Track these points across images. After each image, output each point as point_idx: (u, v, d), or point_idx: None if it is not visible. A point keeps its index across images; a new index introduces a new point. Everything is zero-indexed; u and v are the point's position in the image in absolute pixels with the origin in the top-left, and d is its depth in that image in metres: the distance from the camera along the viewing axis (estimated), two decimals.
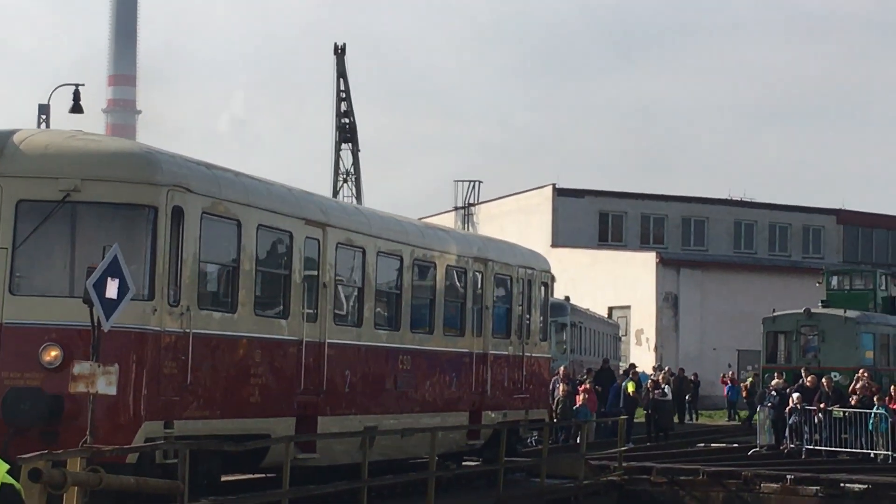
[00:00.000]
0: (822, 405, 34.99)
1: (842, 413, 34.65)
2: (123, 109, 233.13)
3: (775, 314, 45.88)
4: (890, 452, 33.45)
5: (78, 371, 14.93)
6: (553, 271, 30.09)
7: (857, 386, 36.06)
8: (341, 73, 73.49)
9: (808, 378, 37.01)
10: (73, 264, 16.73)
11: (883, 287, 48.97)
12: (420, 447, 23.09)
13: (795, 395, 35.70)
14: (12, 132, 17.05)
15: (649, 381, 42.60)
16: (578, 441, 31.73)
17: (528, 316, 27.52)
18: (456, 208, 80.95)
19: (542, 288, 28.42)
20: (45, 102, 46.64)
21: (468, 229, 74.52)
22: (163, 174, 16.96)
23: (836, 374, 40.48)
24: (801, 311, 45.16)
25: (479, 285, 25.68)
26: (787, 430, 35.59)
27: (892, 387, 35.57)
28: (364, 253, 21.72)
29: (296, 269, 19.69)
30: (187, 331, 17.10)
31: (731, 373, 58.03)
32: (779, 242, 76.19)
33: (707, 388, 59.26)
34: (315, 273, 20.24)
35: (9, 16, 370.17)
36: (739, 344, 62.08)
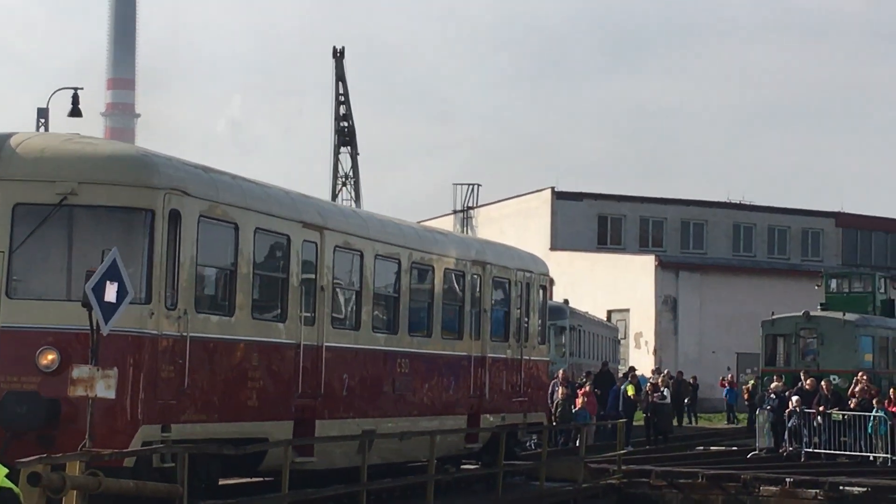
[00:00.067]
0: (821, 408, 34.98)
1: (841, 416, 34.64)
2: (122, 113, 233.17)
3: (774, 317, 45.82)
4: (889, 455, 33.43)
5: (77, 375, 14.92)
6: (552, 274, 30.09)
7: (856, 389, 36.04)
8: (340, 76, 73.46)
9: (808, 381, 36.98)
10: (70, 268, 16.71)
11: (882, 290, 48.92)
12: (419, 450, 23.07)
13: (794, 398, 35.69)
14: (9, 135, 17.03)
15: (648, 384, 42.56)
16: (578, 444, 31.69)
17: (526, 319, 27.49)
18: (455, 212, 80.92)
19: (541, 291, 28.40)
20: (44, 106, 46.63)
21: (467, 233, 74.50)
22: (160, 177, 16.94)
23: (835, 377, 40.43)
24: (800, 313, 45.11)
25: (478, 288, 25.65)
26: (786, 433, 35.58)
27: (892, 389, 35.55)
28: (362, 256, 21.69)
29: (293, 272, 19.66)
30: (184, 334, 17.07)
31: (730, 376, 58.01)
32: (778, 245, 76.16)
33: (706, 391, 59.23)
34: (313, 276, 20.21)
35: (8, 19, 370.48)
36: (738, 347, 62.02)
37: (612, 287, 66.77)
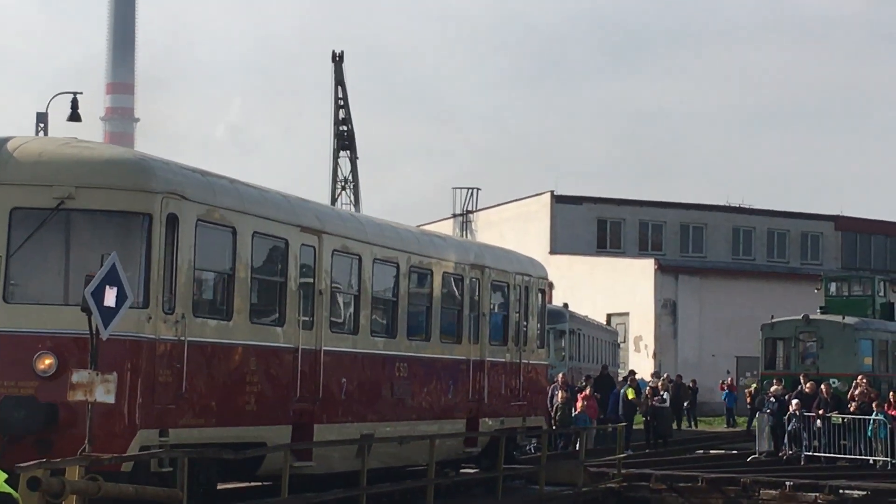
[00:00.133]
0: (820, 411, 34.94)
1: (840, 419, 34.61)
2: (122, 117, 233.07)
3: (774, 321, 45.80)
4: (889, 459, 33.39)
5: (77, 379, 14.91)
6: (551, 278, 30.07)
7: (856, 392, 36.00)
8: (339, 80, 73.43)
9: (807, 384, 36.94)
10: (68, 272, 16.70)
11: (881, 293, 48.89)
12: (418, 454, 23.04)
13: (794, 401, 35.66)
14: (6, 140, 17.02)
15: (648, 388, 42.53)
16: (577, 448, 31.65)
17: (525, 323, 27.46)
18: (454, 215, 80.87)
19: (540, 295, 28.37)
20: (44, 111, 46.55)
21: (467, 237, 74.47)
22: (157, 181, 16.91)
23: (835, 380, 40.42)
24: (800, 317, 45.09)
25: (476, 292, 25.63)
26: (785, 436, 35.55)
27: (891, 393, 35.50)
28: (360, 260, 21.66)
29: (291, 276, 19.63)
30: (182, 339, 17.05)
31: (729, 379, 57.97)
32: (777, 249, 76.11)
33: (706, 395, 59.20)
34: (311, 280, 20.19)
35: (7, 24, 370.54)
36: (738, 350, 61.97)
37: (612, 291, 66.73)
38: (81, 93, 44.06)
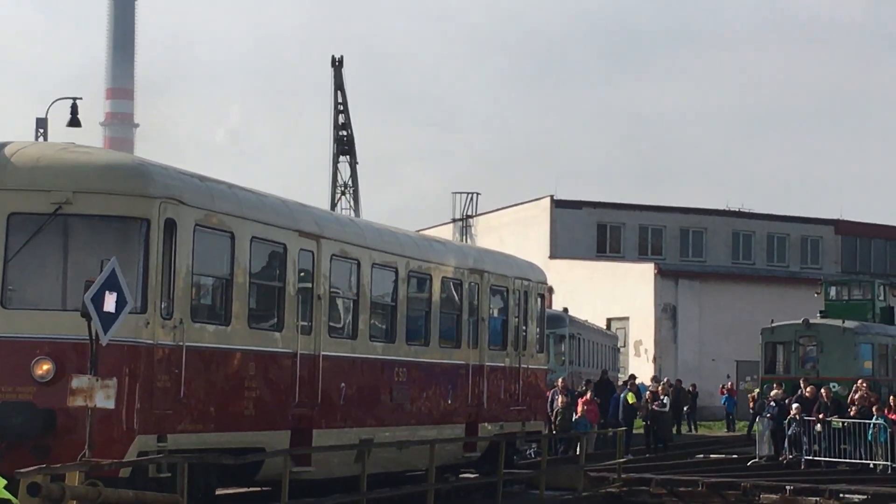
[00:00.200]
0: (821, 416, 34.91)
1: (841, 423, 34.57)
2: (121, 123, 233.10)
3: (774, 325, 45.75)
4: (889, 463, 33.34)
5: (76, 385, 14.90)
6: (551, 283, 30.05)
7: (856, 396, 35.97)
8: (339, 85, 73.51)
9: (807, 389, 36.91)
10: (66, 277, 16.69)
11: (881, 297, 48.82)
12: (417, 459, 23.00)
13: (794, 405, 35.62)
14: (4, 145, 17.01)
15: (648, 392, 42.50)
16: (577, 453, 31.62)
17: (524, 327, 27.43)
18: (454, 220, 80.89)
19: (539, 299, 28.34)
20: (43, 116, 46.59)
21: (466, 241, 74.45)
22: (155, 186, 16.89)
23: (835, 384, 40.36)
24: (800, 321, 45.04)
25: (475, 297, 25.60)
26: (786, 440, 35.51)
27: (891, 397, 35.45)
28: (359, 265, 21.64)
29: (290, 281, 19.60)
30: (180, 344, 17.02)
31: (729, 383, 57.92)
32: (777, 253, 76.09)
33: (706, 399, 59.15)
34: (309, 285, 20.16)
35: (6, 29, 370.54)
36: (738, 355, 61.89)
37: (612, 295, 66.71)
38: (81, 98, 44.14)
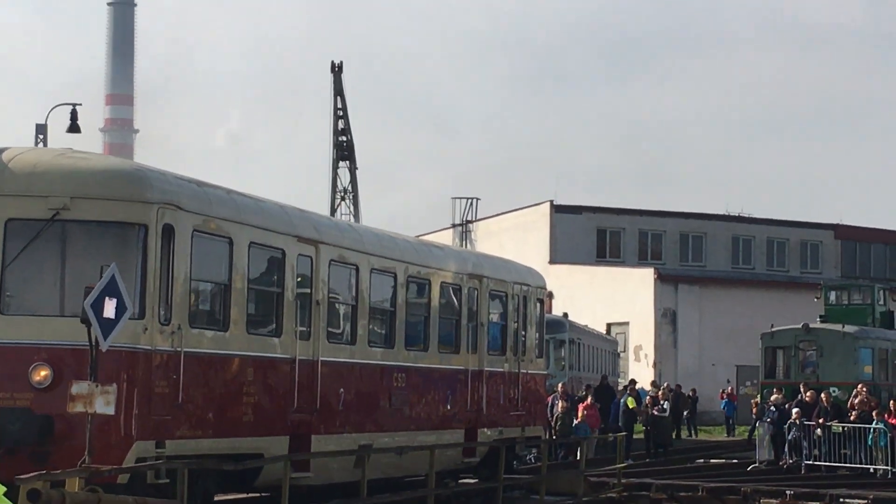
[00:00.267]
0: (821, 420, 34.88)
1: (841, 428, 34.55)
2: (121, 128, 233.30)
3: (774, 329, 45.74)
4: (889, 467, 33.32)
5: (76, 391, 14.89)
6: (551, 288, 30.02)
7: (856, 401, 35.94)
8: (338, 91, 73.46)
9: (807, 393, 36.90)
10: (63, 283, 16.67)
11: (881, 302, 48.81)
12: (417, 465, 22.96)
13: (794, 410, 35.60)
14: (1, 150, 16.97)
15: (648, 397, 42.49)
16: (578, 458, 31.58)
17: (523, 332, 27.40)
18: (454, 225, 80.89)
19: (538, 304, 28.30)
20: (43, 122, 46.57)
21: (466, 247, 74.42)
22: (153, 192, 16.87)
23: (835, 389, 40.34)
24: (800, 326, 45.03)
25: (475, 302, 25.57)
26: (786, 445, 35.48)
27: (891, 402, 35.45)
28: (357, 270, 21.61)
29: (288, 286, 19.57)
30: (178, 349, 16.99)
31: (729, 388, 57.88)
32: (777, 258, 76.07)
33: (706, 404, 59.13)
34: (308, 291, 20.14)
35: (6, 35, 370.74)
36: (738, 359, 61.90)
37: (612, 300, 66.70)
38: (80, 104, 44.09)
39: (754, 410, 48.99)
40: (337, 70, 73.37)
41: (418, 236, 38.83)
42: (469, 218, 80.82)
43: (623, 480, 29.43)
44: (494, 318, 26.43)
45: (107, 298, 14.87)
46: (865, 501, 27.73)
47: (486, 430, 25.79)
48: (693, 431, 54.20)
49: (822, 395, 36.40)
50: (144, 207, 16.68)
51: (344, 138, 74.11)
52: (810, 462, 34.67)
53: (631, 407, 40.70)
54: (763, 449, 36.62)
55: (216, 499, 19.04)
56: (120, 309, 15.01)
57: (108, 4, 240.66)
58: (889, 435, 33.54)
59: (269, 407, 18.98)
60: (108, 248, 16.55)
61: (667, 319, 66.11)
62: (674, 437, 45.30)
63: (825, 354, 44.02)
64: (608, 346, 59.29)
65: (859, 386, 37.73)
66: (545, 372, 29.65)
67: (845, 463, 34.29)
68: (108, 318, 14.90)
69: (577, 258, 70.85)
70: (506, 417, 26.60)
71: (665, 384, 49.99)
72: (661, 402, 41.17)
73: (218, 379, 17.93)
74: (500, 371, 26.39)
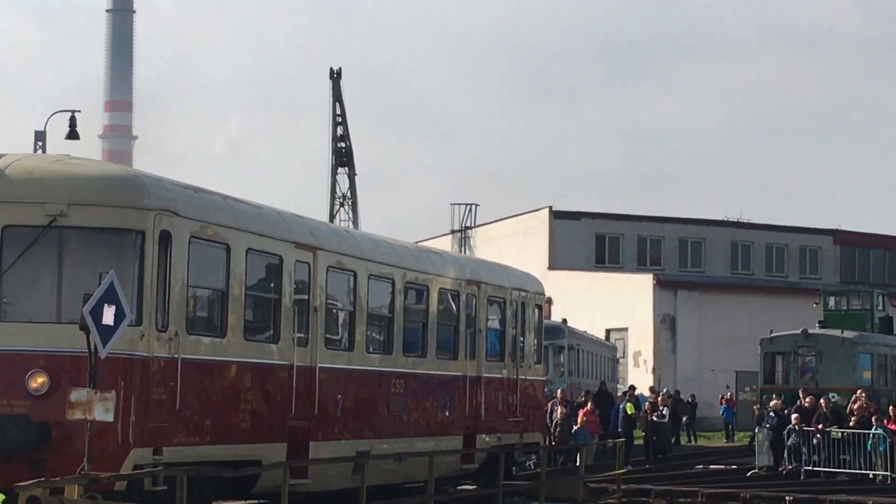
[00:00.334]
0: (820, 426, 34.85)
1: (840, 434, 34.51)
2: (120, 135, 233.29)
3: (773, 335, 45.73)
4: (889, 473, 33.28)
5: (75, 398, 14.87)
6: (550, 294, 29.98)
7: (855, 406, 35.91)
8: (337, 97, 73.51)
9: (807, 399, 36.87)
10: (60, 290, 16.62)
11: (880, 307, 48.82)
12: (416, 471, 22.93)
13: (794, 415, 35.57)
14: None
15: (647, 403, 42.46)
16: (577, 464, 31.54)
17: (522, 338, 27.36)
18: (453, 231, 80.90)
19: (536, 310, 28.26)
20: (42, 129, 46.62)
21: (465, 253, 74.41)
22: (150, 198, 16.84)
23: (834, 394, 40.33)
24: (799, 331, 45.02)
25: (473, 308, 25.53)
26: (785, 451, 35.45)
27: (891, 407, 35.41)
28: (355, 276, 21.58)
29: (286, 293, 19.54)
30: (176, 356, 16.96)
31: (729, 394, 57.86)
32: (776, 263, 76.08)
33: (705, 410, 59.09)
34: (305, 297, 20.10)
35: (5, 42, 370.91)
36: (737, 365, 61.89)
37: (611, 306, 66.69)
38: (79, 111, 44.15)
39: (756, 416, 49.01)
40: (336, 76, 73.43)
41: (417, 242, 38.85)
42: (468, 224, 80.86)
43: (622, 486, 29.40)
44: (493, 324, 26.39)
45: (105, 305, 14.85)
46: None
47: (484, 436, 25.75)
48: (692, 437, 54.16)
49: (822, 400, 36.37)
50: (141, 214, 16.66)
51: (343, 144, 74.14)
52: (810, 468, 34.64)
53: (630, 413, 40.68)
54: (762, 455, 36.59)
55: None
56: (119, 316, 14.99)
57: (107, 11, 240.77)
58: (888, 440, 33.51)
59: (266, 413, 18.94)
60: (105, 254, 16.51)
61: (666, 325, 66.09)
62: (673, 442, 45.25)
63: (824, 360, 44.01)
64: (607, 351, 59.26)
65: (858, 391, 37.72)
66: (544, 378, 29.61)
67: (844, 468, 34.25)
68: (107, 325, 14.88)
69: (576, 264, 70.84)
70: (504, 423, 26.56)
71: (664, 390, 49.97)
72: (661, 408, 41.13)
73: (215, 386, 17.89)
74: (498, 377, 26.35)
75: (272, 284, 19.46)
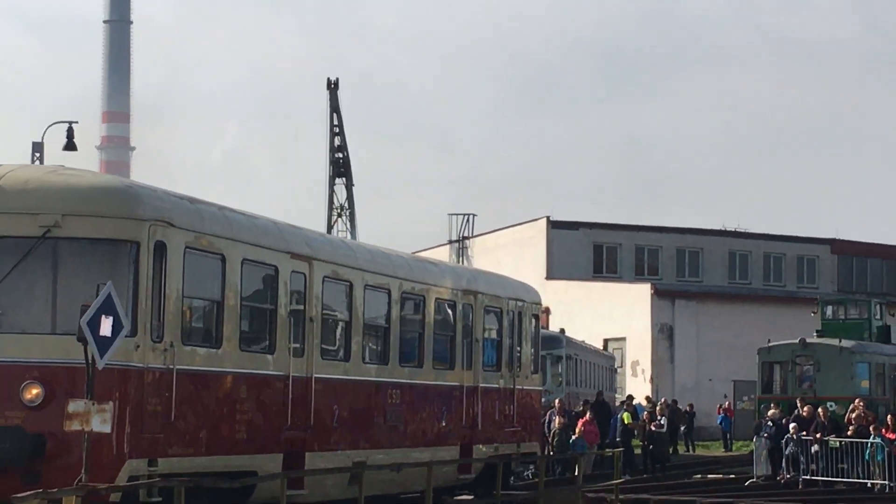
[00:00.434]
0: (818, 435, 34.82)
1: (838, 443, 34.48)
2: (117, 146, 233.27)
3: (770, 344, 45.72)
4: (887, 482, 33.25)
5: (73, 409, 14.83)
6: (548, 304, 29.95)
7: (853, 416, 35.89)
8: (334, 107, 73.54)
9: (805, 408, 36.84)
10: (55, 301, 16.56)
11: (878, 316, 48.82)
12: (412, 481, 22.88)
13: (792, 425, 35.55)
14: None
15: (645, 413, 42.43)
16: (576, 474, 31.49)
17: (518, 348, 27.32)
18: (450, 242, 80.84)
19: (533, 320, 28.23)
20: (39, 140, 46.59)
21: (463, 263, 74.37)
22: (144, 209, 16.80)
23: (832, 403, 40.30)
24: (797, 341, 45.01)
25: (469, 318, 25.50)
26: (783, 460, 35.42)
27: (889, 416, 35.39)
28: (351, 286, 21.54)
29: (282, 303, 19.50)
30: (171, 367, 16.91)
31: (727, 403, 57.83)
32: (773, 272, 76.09)
33: (703, 419, 59.06)
34: (301, 307, 20.06)
35: (2, 54, 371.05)
36: (735, 374, 61.86)
37: (609, 316, 66.66)
38: (77, 122, 44.09)
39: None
40: (333, 87, 73.47)
41: (415, 253, 38.82)
42: (466, 234, 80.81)
43: (620, 496, 29.34)
44: (489, 334, 26.35)
45: (103, 316, 14.81)
46: None
47: (481, 446, 25.70)
48: (690, 447, 54.12)
49: (820, 409, 36.34)
50: (136, 224, 16.62)
51: (340, 155, 74.16)
52: (808, 477, 34.60)
53: (627, 423, 40.65)
54: (760, 464, 36.55)
55: None
56: (116, 327, 14.96)
57: (104, 22, 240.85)
58: (886, 449, 33.48)
59: (262, 424, 18.90)
60: (100, 265, 16.47)
61: (664, 335, 66.07)
62: (671, 452, 45.20)
63: (822, 369, 43.99)
64: (605, 361, 59.24)
65: (856, 401, 37.69)
66: (540, 388, 29.56)
67: (843, 478, 34.22)
68: (105, 337, 14.84)
69: (573, 274, 70.83)
70: (501, 434, 26.52)
71: (662, 399, 49.94)
72: (659, 417, 41.10)
73: (211, 396, 17.85)
74: (495, 387, 26.31)
75: (268, 295, 19.42)
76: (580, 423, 37.47)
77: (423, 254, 53.21)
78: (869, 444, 33.82)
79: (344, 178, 74.74)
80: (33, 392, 16.00)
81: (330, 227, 72.84)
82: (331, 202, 74.59)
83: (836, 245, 78.42)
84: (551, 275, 70.62)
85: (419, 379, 23.62)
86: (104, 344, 14.86)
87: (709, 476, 39.33)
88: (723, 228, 78.58)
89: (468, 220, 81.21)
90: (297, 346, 19.83)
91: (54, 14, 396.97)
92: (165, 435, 16.83)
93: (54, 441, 15.66)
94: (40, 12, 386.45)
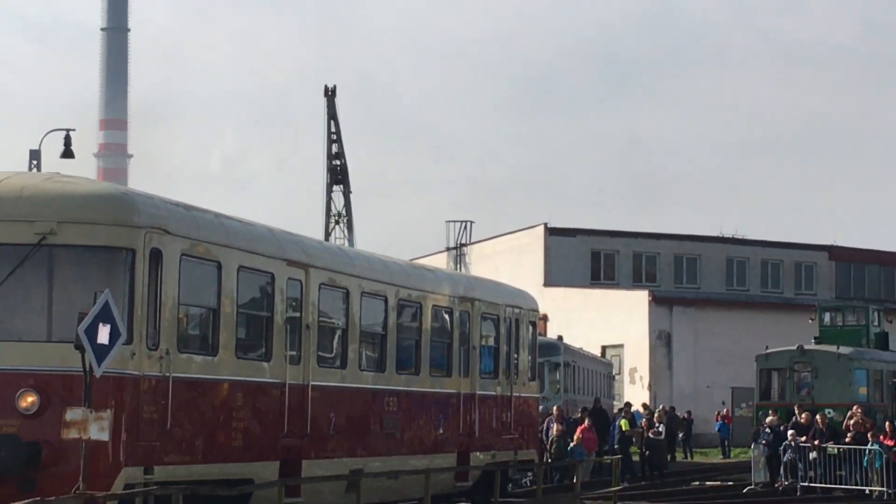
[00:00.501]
0: (816, 442, 34.79)
1: (836, 450, 34.45)
2: (115, 153, 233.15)
3: (768, 351, 45.71)
4: (885, 489, 33.22)
5: (70, 417, 14.84)
6: (546, 311, 29.93)
7: (851, 422, 35.86)
8: (332, 115, 73.60)
9: (802, 415, 36.81)
10: (51, 308, 16.51)
11: (876, 323, 48.82)
12: (409, 489, 22.84)
13: (790, 431, 35.53)
14: None
15: (643, 420, 42.38)
16: (574, 481, 31.47)
17: (515, 355, 27.29)
18: (448, 249, 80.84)
19: (530, 327, 28.20)
20: (37, 148, 46.55)
21: (460, 270, 74.36)
22: (140, 216, 16.77)
23: (830, 410, 40.24)
24: (794, 347, 45.00)
25: (466, 325, 25.47)
26: (781, 467, 35.38)
27: (887, 423, 35.38)
28: (348, 293, 21.50)
29: (278, 310, 19.47)
30: (167, 375, 16.87)
31: (724, 410, 57.80)
32: (771, 279, 76.10)
33: (701, 426, 59.02)
34: (298, 314, 20.02)
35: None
36: (733, 381, 61.84)
37: (606, 323, 66.64)
38: (74, 129, 44.01)
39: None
40: (330, 94, 73.53)
41: (412, 259, 38.77)
42: (463, 241, 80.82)
43: (618, 503, 29.32)
44: (486, 341, 26.31)
45: (100, 324, 14.79)
46: None
47: (478, 453, 25.66)
48: (688, 453, 54.09)
49: (818, 416, 36.31)
50: (132, 232, 16.59)
51: (338, 162, 74.21)
52: (806, 484, 34.56)
53: (625, 430, 40.61)
54: (759, 471, 36.52)
55: None
56: (113, 335, 14.93)
57: (102, 30, 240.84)
58: (884, 456, 33.45)
59: (258, 432, 18.86)
60: (96, 272, 16.44)
61: (661, 341, 66.05)
62: (669, 459, 45.16)
63: (820, 376, 43.98)
64: (603, 368, 59.21)
65: (854, 407, 37.68)
66: (538, 395, 29.52)
67: (841, 484, 34.18)
68: (102, 344, 14.81)
69: (571, 281, 70.82)
70: (498, 441, 26.48)
71: (660, 406, 49.92)
72: (657, 424, 41.06)
73: (207, 404, 17.81)
74: (492, 394, 26.27)
75: (264, 302, 19.38)
76: (578, 430, 37.43)
77: (420, 261, 53.15)
78: (867, 451, 33.79)
79: (341, 185, 74.80)
80: (29, 400, 15.94)
81: (327, 235, 72.87)
82: (328, 209, 74.64)
83: (834, 252, 78.45)
84: (549, 282, 70.61)
85: (416, 386, 23.58)
86: (102, 352, 14.84)
87: (707, 483, 39.29)
88: (721, 235, 78.67)
89: (466, 227, 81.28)
90: (294, 353, 19.79)
91: (52, 21, 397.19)
92: (162, 443, 16.79)
93: (50, 449, 15.63)
94: (38, 20, 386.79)
